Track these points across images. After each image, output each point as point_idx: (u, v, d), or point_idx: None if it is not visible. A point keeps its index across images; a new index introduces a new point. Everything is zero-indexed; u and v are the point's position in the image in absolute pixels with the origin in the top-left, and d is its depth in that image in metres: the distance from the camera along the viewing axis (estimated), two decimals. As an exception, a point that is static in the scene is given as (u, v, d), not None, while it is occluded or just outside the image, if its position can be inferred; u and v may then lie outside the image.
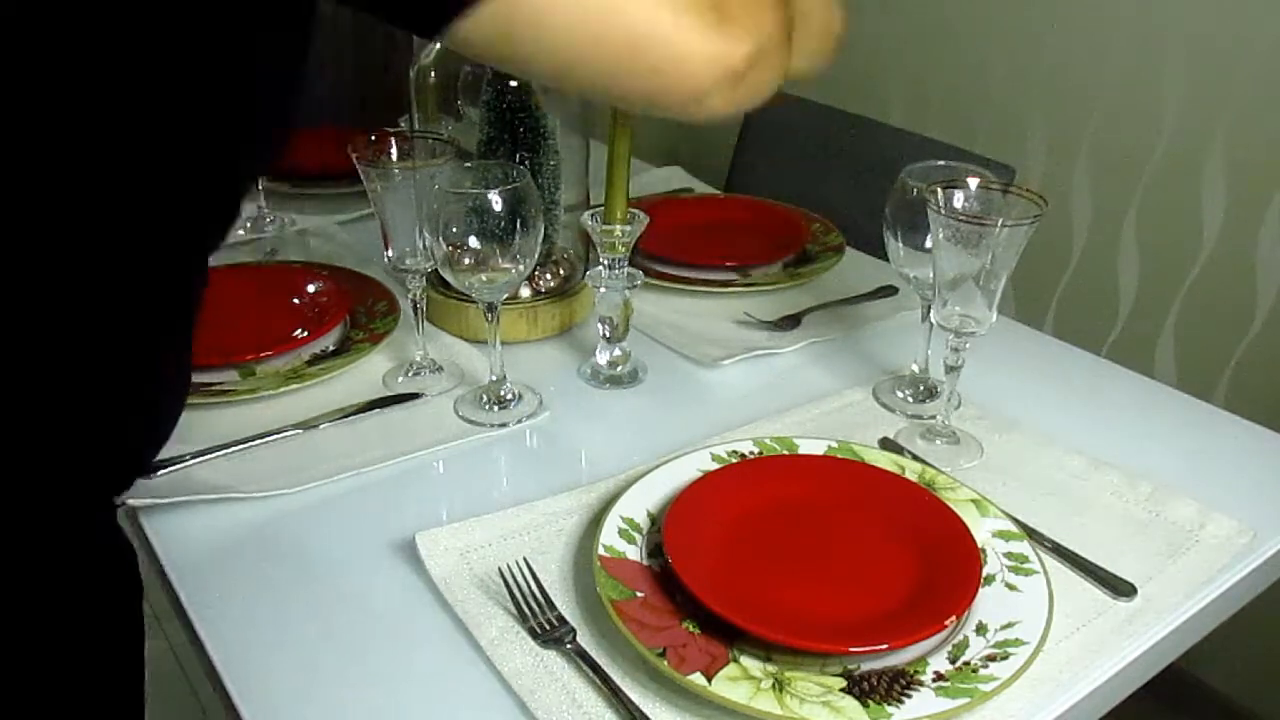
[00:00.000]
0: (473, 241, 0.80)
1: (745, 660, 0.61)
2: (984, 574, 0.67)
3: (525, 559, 0.70)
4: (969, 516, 0.72)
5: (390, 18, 0.48)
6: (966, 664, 0.61)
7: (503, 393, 0.89)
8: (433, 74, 0.96)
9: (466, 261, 0.81)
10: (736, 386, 0.95)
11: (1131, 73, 1.50)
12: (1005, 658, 0.61)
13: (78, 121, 0.42)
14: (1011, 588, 0.67)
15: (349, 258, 1.15)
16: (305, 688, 0.61)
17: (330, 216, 1.31)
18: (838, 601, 0.66)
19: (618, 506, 0.73)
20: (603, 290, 0.91)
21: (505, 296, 0.85)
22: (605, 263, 0.90)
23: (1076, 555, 0.72)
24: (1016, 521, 0.73)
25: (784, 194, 1.35)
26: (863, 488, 0.76)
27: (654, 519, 0.73)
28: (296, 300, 1.04)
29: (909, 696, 0.58)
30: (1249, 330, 1.45)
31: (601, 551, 0.68)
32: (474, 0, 0.45)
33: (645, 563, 0.68)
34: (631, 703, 0.59)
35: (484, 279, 0.82)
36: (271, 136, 0.54)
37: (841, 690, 0.59)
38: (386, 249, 0.89)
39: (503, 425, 0.87)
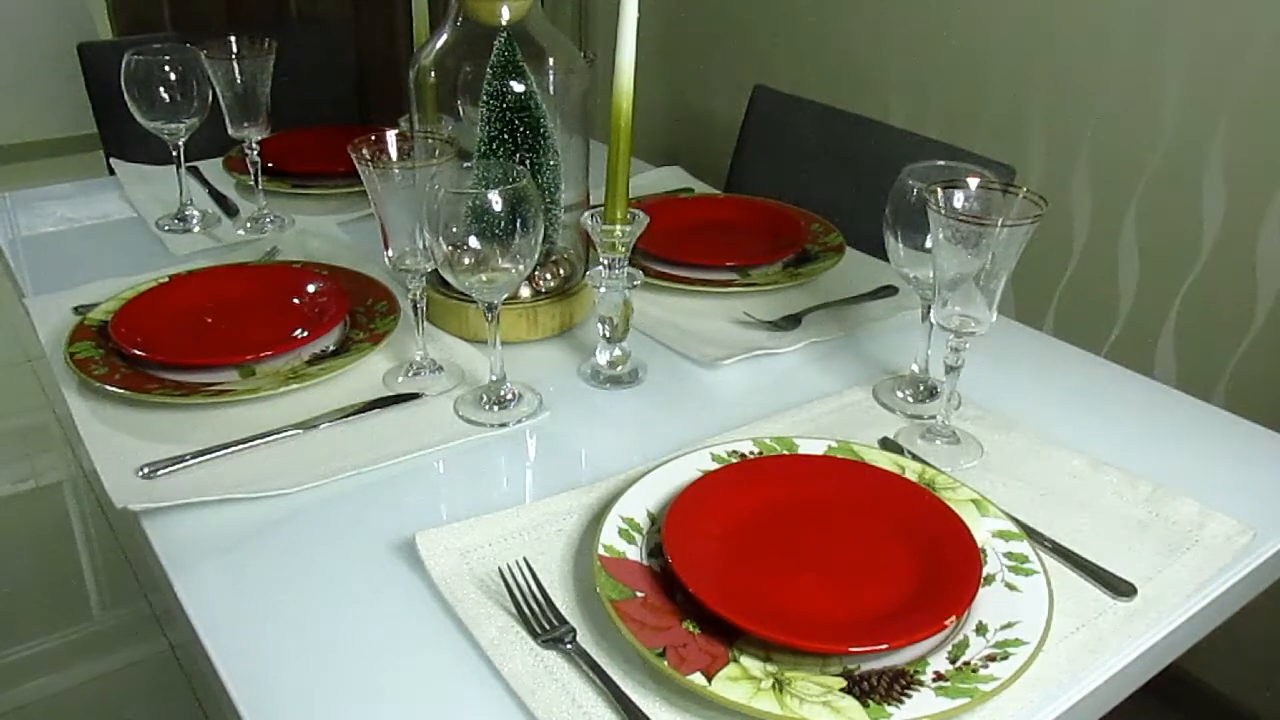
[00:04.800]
0: (473, 241, 0.80)
1: (745, 660, 0.61)
2: (984, 574, 0.67)
3: (525, 559, 0.70)
4: (969, 516, 0.72)
5: None
6: (966, 664, 0.61)
7: (503, 393, 0.89)
8: (433, 74, 0.96)
9: (466, 261, 0.81)
10: (736, 386, 0.95)
11: (1131, 73, 1.50)
12: (1005, 658, 0.61)
13: None
14: (1011, 588, 0.67)
15: (349, 258, 1.15)
16: (305, 687, 0.61)
17: (330, 216, 1.31)
18: (838, 601, 0.66)
19: (618, 506, 0.73)
20: (603, 290, 0.91)
21: (505, 296, 0.85)
22: (605, 263, 0.90)
23: (1076, 555, 0.72)
24: (1016, 521, 0.73)
25: (784, 194, 1.35)
26: (863, 488, 0.76)
27: (654, 519, 0.73)
28: (296, 300, 1.04)
29: (909, 696, 0.58)
30: (1249, 330, 1.45)
31: (601, 551, 0.68)
32: None
33: (645, 563, 0.68)
34: (631, 703, 0.59)
35: (484, 279, 0.82)
36: None
37: (841, 690, 0.59)
38: (386, 249, 0.89)
39: (503, 425, 0.87)
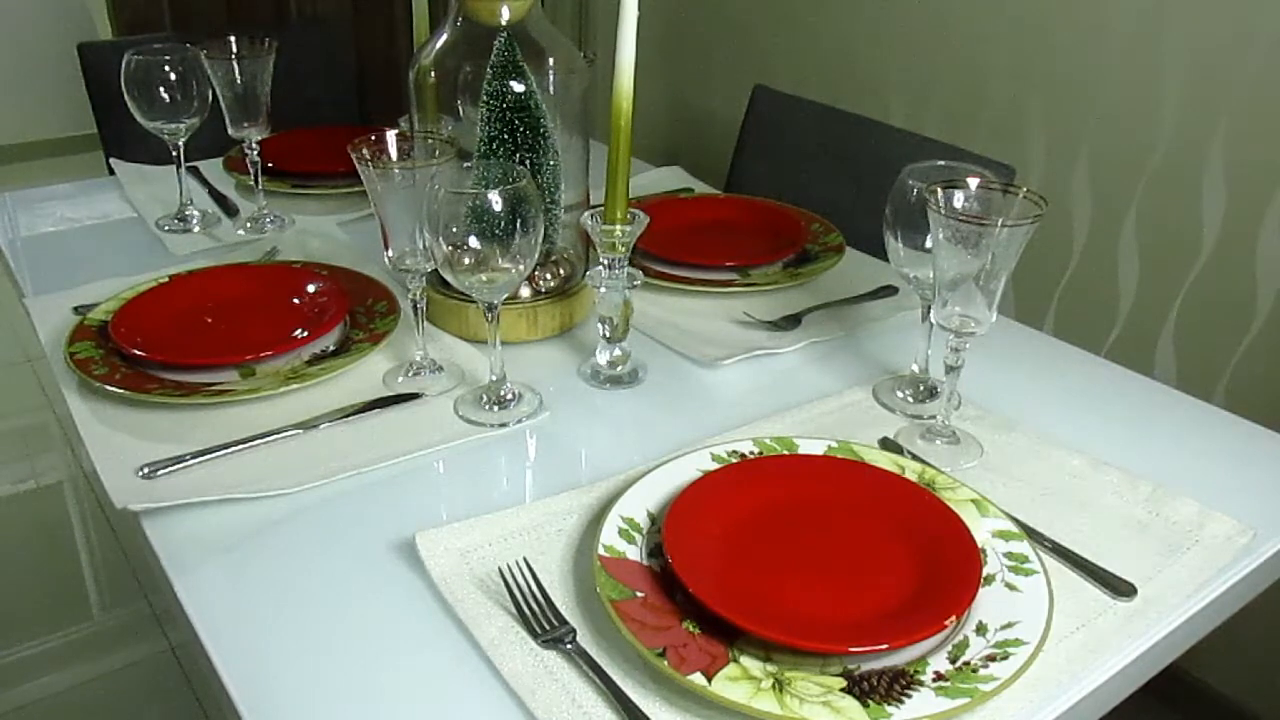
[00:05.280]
0: (473, 241, 0.80)
1: (745, 660, 0.61)
2: (984, 574, 0.67)
3: (525, 559, 0.70)
4: (969, 516, 0.72)
5: None
6: (966, 664, 0.61)
7: (503, 393, 0.89)
8: (433, 74, 0.96)
9: (466, 261, 0.81)
10: (736, 386, 0.95)
11: (1131, 73, 1.50)
12: (1005, 658, 0.61)
13: None
14: (1011, 588, 0.67)
15: (349, 258, 1.15)
16: (305, 688, 0.61)
17: (330, 216, 1.31)
18: (838, 601, 0.66)
19: (618, 506, 0.73)
20: (603, 290, 0.91)
21: (505, 296, 0.85)
22: (605, 263, 0.90)
23: (1076, 555, 0.72)
24: (1016, 521, 0.73)
25: (784, 194, 1.35)
26: (863, 488, 0.76)
27: (654, 519, 0.73)
28: (296, 300, 1.04)
29: (909, 696, 0.58)
30: (1249, 330, 1.45)
31: (601, 551, 0.68)
32: None
33: (645, 563, 0.68)
34: (631, 703, 0.59)
35: (484, 279, 0.82)
36: None
37: (841, 690, 0.59)
38: (386, 249, 0.89)
39: (503, 425, 0.87)
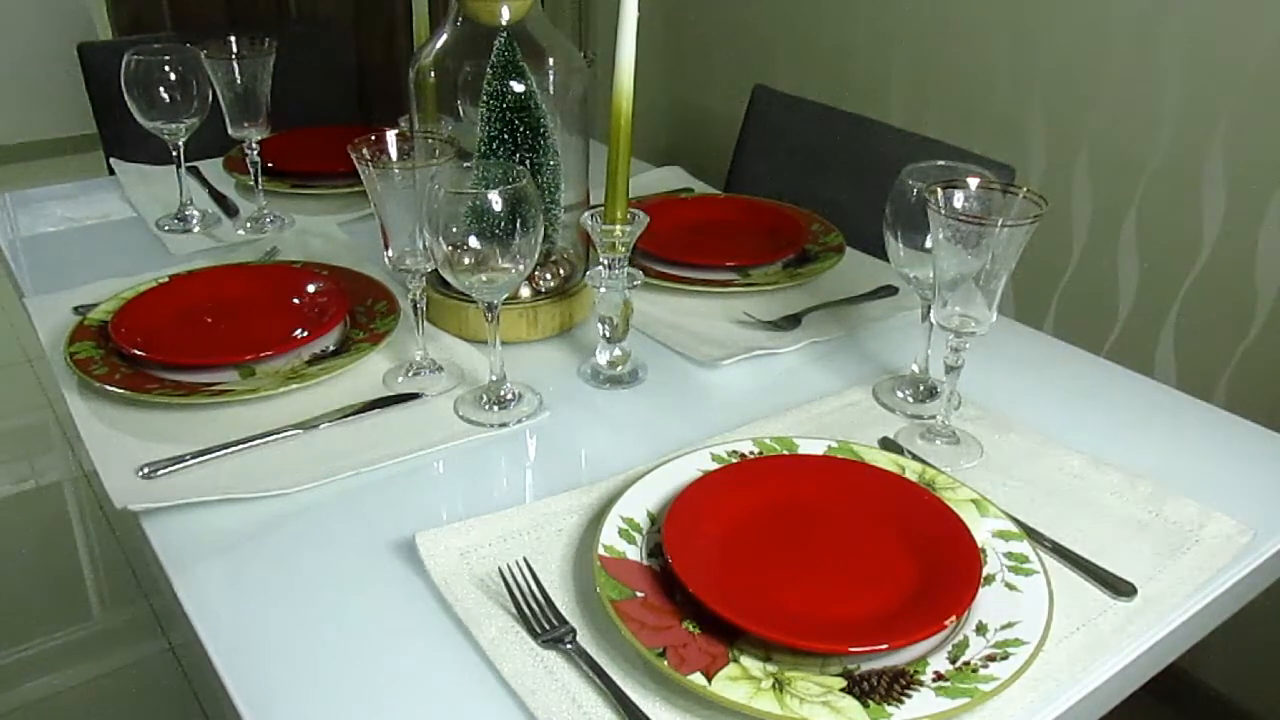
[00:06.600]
0: (473, 241, 0.80)
1: (745, 660, 0.61)
2: (984, 574, 0.67)
3: (525, 559, 0.70)
4: (969, 516, 0.72)
5: None
6: (966, 664, 0.61)
7: (503, 393, 0.89)
8: (433, 74, 0.96)
9: (466, 261, 0.81)
10: (736, 386, 0.95)
11: (1131, 73, 1.50)
12: (1005, 658, 0.61)
13: None
14: (1011, 588, 0.67)
15: (349, 258, 1.15)
16: (305, 687, 0.61)
17: (330, 216, 1.31)
18: (838, 601, 0.66)
19: (618, 506, 0.73)
20: (603, 290, 0.91)
21: (505, 296, 0.85)
22: (605, 263, 0.90)
23: (1076, 555, 0.72)
24: (1016, 521, 0.73)
25: (784, 194, 1.35)
26: (863, 488, 0.76)
27: (654, 519, 0.73)
28: (296, 300, 1.04)
29: (909, 696, 0.58)
30: (1249, 330, 1.45)
31: (601, 551, 0.68)
32: None
33: (645, 563, 0.68)
34: (631, 703, 0.59)
35: (484, 279, 0.82)
36: None
37: (841, 690, 0.59)
38: (386, 249, 0.89)
39: (503, 425, 0.87)
